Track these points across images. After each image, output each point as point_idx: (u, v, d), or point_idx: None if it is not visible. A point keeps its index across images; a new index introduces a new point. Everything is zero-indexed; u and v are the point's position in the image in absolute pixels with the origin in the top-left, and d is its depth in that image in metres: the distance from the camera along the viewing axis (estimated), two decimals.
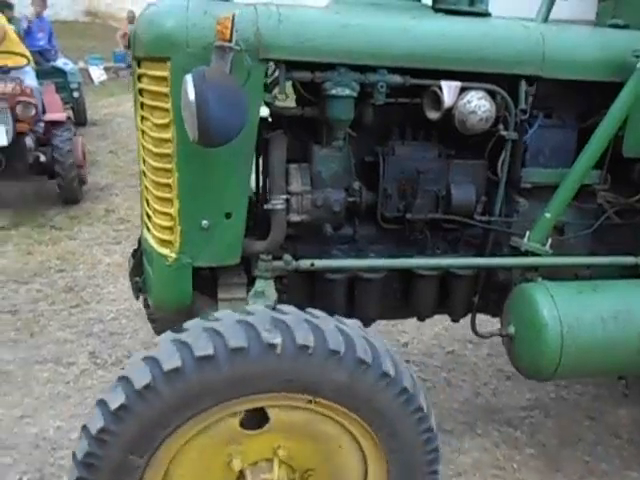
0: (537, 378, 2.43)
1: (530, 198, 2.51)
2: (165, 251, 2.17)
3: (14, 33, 7.47)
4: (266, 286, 2.24)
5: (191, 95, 1.75)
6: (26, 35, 9.30)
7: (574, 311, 2.28)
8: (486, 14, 2.40)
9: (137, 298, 2.52)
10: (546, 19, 2.96)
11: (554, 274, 2.49)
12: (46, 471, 2.89)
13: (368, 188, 2.40)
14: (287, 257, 2.27)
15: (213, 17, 1.91)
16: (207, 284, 2.31)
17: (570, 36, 2.42)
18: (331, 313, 2.09)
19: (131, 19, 14.05)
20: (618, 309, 2.32)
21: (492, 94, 2.27)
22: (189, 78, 1.78)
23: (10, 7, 8.75)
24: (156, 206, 2.18)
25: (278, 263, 2.26)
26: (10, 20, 7.98)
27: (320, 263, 2.31)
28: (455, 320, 2.76)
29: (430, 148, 2.43)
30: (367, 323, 2.57)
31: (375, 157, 2.38)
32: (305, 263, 2.29)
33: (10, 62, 6.75)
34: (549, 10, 2.97)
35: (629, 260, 2.54)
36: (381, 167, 2.36)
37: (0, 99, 6.05)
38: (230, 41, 1.81)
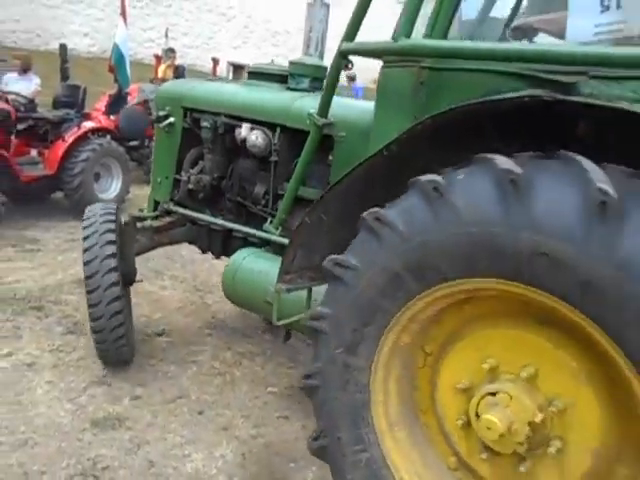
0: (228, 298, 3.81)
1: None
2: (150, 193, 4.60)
3: None
4: (150, 216, 4.42)
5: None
6: None
7: (243, 265, 3.61)
8: (307, 89, 3.87)
9: None
10: None
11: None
12: None
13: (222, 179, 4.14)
14: (168, 204, 4.31)
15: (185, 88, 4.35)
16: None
17: (306, 101, 3.60)
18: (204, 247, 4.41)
19: None
20: (263, 269, 3.48)
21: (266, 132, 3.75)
22: None
23: None
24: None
25: (165, 205, 4.33)
26: None
27: (179, 210, 4.29)
28: None
29: (257, 164, 3.96)
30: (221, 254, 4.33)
31: (229, 161, 4.11)
32: (171, 207, 4.30)
33: None
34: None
35: (262, 234, 3.74)
36: (230, 169, 4.09)
37: None
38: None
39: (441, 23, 2.32)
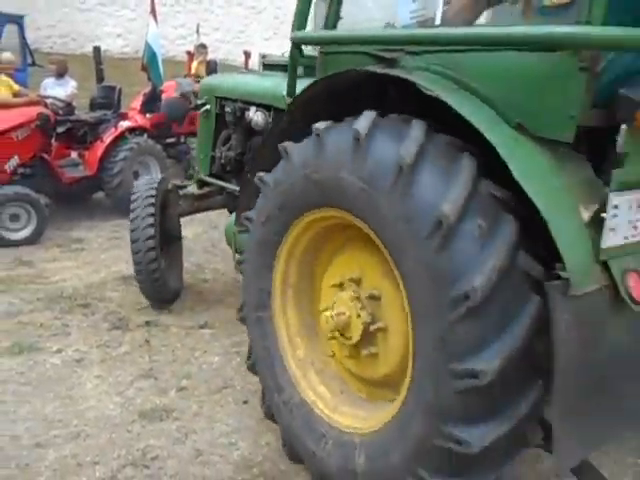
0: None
1: None
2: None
3: None
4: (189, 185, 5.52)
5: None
6: None
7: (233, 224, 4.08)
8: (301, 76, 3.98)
9: None
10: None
11: None
12: None
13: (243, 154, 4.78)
14: (201, 175, 5.23)
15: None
16: None
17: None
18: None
19: None
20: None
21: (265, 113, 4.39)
22: None
23: None
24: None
25: (199, 176, 5.28)
26: None
27: (205, 179, 5.23)
28: None
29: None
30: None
31: (247, 139, 4.75)
32: (203, 178, 5.22)
33: None
34: None
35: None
36: (248, 146, 4.73)
37: None
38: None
39: (332, 17, 2.96)
